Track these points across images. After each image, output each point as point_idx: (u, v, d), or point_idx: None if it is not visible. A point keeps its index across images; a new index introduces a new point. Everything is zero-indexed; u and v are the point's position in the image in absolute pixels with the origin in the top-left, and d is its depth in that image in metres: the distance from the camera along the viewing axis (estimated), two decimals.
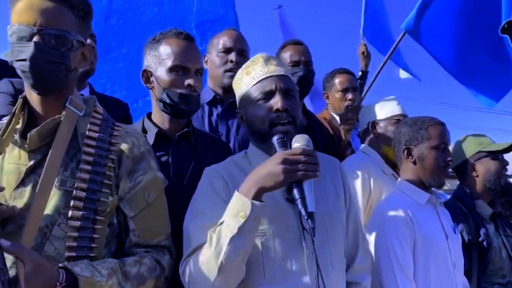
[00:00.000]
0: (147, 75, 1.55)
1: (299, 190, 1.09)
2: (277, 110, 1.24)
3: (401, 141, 1.79)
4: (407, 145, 1.77)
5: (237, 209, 1.08)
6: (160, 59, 1.51)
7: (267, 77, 1.29)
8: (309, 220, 1.06)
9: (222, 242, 1.07)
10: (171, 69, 1.48)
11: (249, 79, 1.32)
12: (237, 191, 1.12)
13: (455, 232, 1.76)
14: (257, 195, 1.09)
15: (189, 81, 1.48)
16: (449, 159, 1.71)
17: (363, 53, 3.22)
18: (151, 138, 1.51)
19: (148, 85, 1.56)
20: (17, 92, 1.60)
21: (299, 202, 1.08)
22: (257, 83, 1.30)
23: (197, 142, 1.58)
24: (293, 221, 1.21)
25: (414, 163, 1.75)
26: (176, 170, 1.49)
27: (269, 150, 1.23)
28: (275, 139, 1.18)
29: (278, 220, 1.20)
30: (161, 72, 1.49)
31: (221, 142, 1.76)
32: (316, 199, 1.11)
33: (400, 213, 1.60)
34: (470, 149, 2.17)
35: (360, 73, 3.19)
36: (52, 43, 1.03)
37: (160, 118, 1.56)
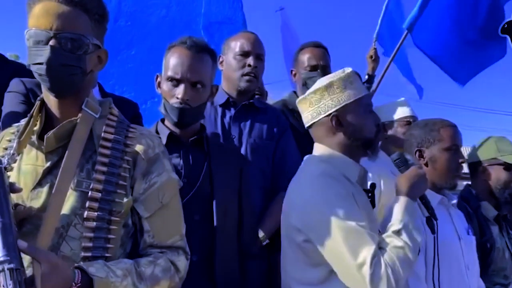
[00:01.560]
0: (159, 80, 1.59)
1: (427, 199, 1.53)
2: (378, 125, 1.49)
3: (412, 144, 1.80)
4: (418, 147, 1.78)
5: (413, 212, 1.35)
6: (165, 67, 1.56)
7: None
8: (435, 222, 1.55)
9: (416, 240, 1.29)
10: (167, 79, 1.53)
11: (356, 91, 1.44)
12: (406, 196, 1.38)
13: (468, 234, 1.76)
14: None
15: (176, 93, 1.50)
16: (461, 160, 1.71)
17: (371, 56, 3.21)
18: (162, 140, 1.51)
19: (159, 89, 1.60)
20: (28, 91, 1.61)
21: (424, 207, 1.54)
22: (366, 95, 1.49)
23: (210, 149, 1.58)
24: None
25: (426, 165, 1.76)
26: (187, 173, 1.51)
27: (366, 157, 1.48)
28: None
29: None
30: (163, 81, 1.55)
31: (236, 152, 1.77)
32: None
33: None
34: (488, 152, 2.17)
35: (366, 77, 3.20)
36: (68, 46, 1.05)
37: (170, 124, 1.59)
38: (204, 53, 1.56)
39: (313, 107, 1.45)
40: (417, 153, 1.79)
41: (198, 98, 1.53)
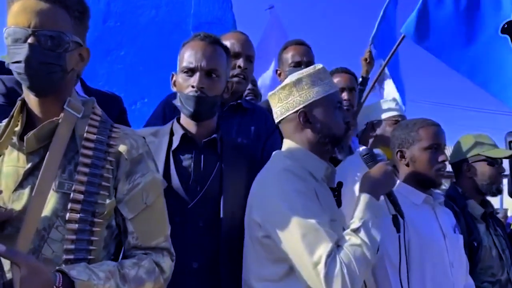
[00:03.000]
0: (174, 79, 1.57)
1: (394, 197, 1.46)
2: (347, 122, 1.46)
3: (395, 144, 1.82)
4: (399, 148, 1.80)
5: (375, 210, 1.32)
6: (180, 62, 1.55)
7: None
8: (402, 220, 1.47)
9: (375, 237, 1.27)
10: (181, 71, 1.52)
11: (325, 87, 1.43)
12: (367, 193, 1.34)
13: (455, 232, 1.77)
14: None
15: (190, 81, 1.48)
16: (442, 159, 1.72)
17: (366, 59, 3.23)
18: (176, 140, 1.51)
19: (174, 87, 1.58)
20: (8, 90, 1.58)
21: (391, 205, 1.47)
22: (335, 92, 1.45)
23: (223, 151, 1.56)
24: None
25: (408, 165, 1.77)
26: (196, 175, 1.48)
27: (334, 154, 1.50)
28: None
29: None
30: (178, 75, 1.54)
31: (249, 151, 1.74)
32: None
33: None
34: (469, 149, 2.19)
35: (360, 79, 3.22)
36: (47, 44, 1.03)
37: (186, 121, 1.56)
38: (217, 45, 1.56)
39: (282, 103, 1.45)
40: (399, 153, 1.81)
41: (214, 88, 1.50)
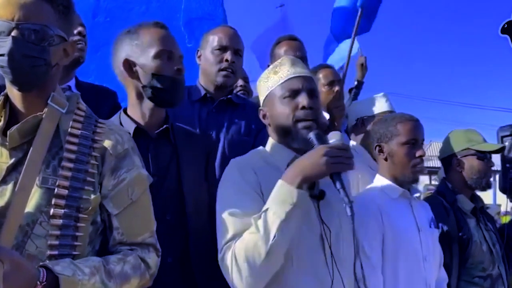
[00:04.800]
0: (129, 64, 1.48)
1: (340, 180, 1.21)
2: (303, 107, 1.34)
3: (374, 139, 1.83)
4: (378, 143, 1.81)
5: (284, 197, 1.18)
6: (142, 47, 1.47)
7: (294, 77, 1.38)
8: (349, 208, 1.17)
9: (271, 227, 1.16)
10: (157, 55, 1.45)
11: (277, 78, 1.40)
12: (281, 179, 1.21)
13: (430, 226, 1.79)
14: (301, 184, 1.20)
15: (178, 65, 1.47)
16: (419, 154, 1.73)
17: (362, 64, 3.26)
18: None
19: (130, 74, 1.49)
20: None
21: (341, 191, 1.19)
22: (284, 81, 1.39)
23: (176, 140, 1.55)
24: (314, 215, 1.32)
25: (386, 159, 1.78)
26: (156, 169, 1.46)
27: (290, 145, 1.36)
28: (312, 134, 1.29)
29: (303, 214, 1.27)
30: (146, 60, 1.45)
31: (201, 137, 1.73)
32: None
33: (369, 206, 1.65)
34: (459, 144, 2.20)
35: (356, 83, 3.27)
36: (31, 37, 1.02)
37: (140, 111, 1.50)
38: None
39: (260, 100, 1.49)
40: (377, 148, 1.82)
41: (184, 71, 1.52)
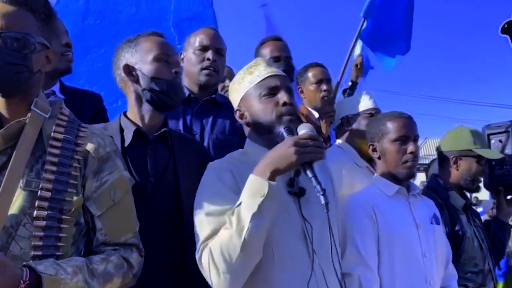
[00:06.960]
0: (129, 69, 1.56)
1: (311, 169, 1.20)
2: (285, 103, 1.35)
3: (368, 139, 1.86)
4: (371, 142, 1.83)
5: (255, 189, 1.18)
6: (141, 53, 1.54)
7: (271, 76, 1.40)
8: (322, 196, 1.16)
9: (244, 220, 1.15)
10: (155, 59, 1.52)
11: (253, 78, 1.42)
12: (252, 174, 1.21)
13: (431, 223, 1.80)
14: (272, 177, 1.20)
15: (176, 69, 1.54)
16: (410, 150, 1.74)
17: (357, 65, 3.27)
18: (128, 136, 1.52)
19: (131, 78, 1.55)
20: None
21: (313, 179, 1.18)
22: (261, 80, 1.40)
23: (173, 143, 1.59)
24: (295, 212, 1.32)
25: (379, 158, 1.81)
26: (154, 171, 1.51)
27: (270, 144, 1.32)
28: (282, 128, 1.31)
29: (282, 211, 1.28)
30: (145, 64, 1.53)
31: (198, 143, 1.78)
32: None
33: (363, 204, 1.67)
34: (463, 143, 2.18)
35: (350, 83, 3.26)
36: (13, 45, 1.06)
37: (139, 114, 1.56)
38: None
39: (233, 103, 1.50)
40: (370, 147, 1.84)
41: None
